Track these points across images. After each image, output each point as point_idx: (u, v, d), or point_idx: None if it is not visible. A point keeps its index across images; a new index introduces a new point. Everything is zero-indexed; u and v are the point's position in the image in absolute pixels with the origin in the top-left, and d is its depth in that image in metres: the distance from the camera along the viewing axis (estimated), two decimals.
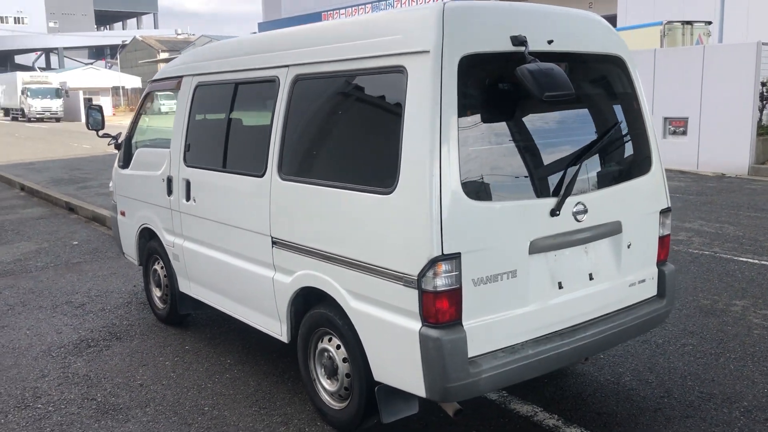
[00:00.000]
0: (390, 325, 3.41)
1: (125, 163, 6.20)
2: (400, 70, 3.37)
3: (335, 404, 4.00)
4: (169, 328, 5.79)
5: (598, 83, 4.09)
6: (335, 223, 3.71)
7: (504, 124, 3.57)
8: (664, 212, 4.18)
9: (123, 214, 6.35)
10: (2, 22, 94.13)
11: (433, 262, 3.18)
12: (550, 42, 3.57)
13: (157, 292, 6.01)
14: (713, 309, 5.90)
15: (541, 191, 3.56)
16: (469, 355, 3.30)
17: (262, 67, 4.39)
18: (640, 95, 4.12)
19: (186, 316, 5.86)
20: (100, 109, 6.34)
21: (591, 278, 3.81)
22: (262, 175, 4.24)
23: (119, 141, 6.36)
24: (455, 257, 3.21)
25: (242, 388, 4.61)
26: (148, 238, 5.94)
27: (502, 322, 3.42)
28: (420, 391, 3.35)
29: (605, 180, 3.90)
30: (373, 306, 3.52)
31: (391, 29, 3.50)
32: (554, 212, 3.52)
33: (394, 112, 3.39)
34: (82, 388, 4.67)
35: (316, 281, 3.89)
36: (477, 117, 3.44)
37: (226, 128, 4.78)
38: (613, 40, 4.04)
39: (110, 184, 6.65)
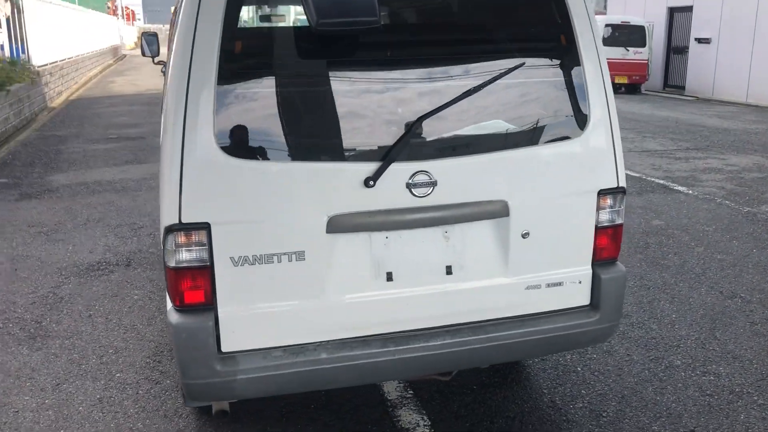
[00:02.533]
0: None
1: None
2: None
3: None
4: None
5: (484, 8, 3.02)
6: None
7: (298, 63, 2.78)
8: (607, 194, 3.02)
9: None
10: None
11: (169, 232, 2.60)
12: None
13: None
14: None
15: (352, 153, 2.72)
16: (223, 350, 2.70)
17: None
18: (576, 22, 2.95)
19: None
20: (155, 35, 6.36)
21: (449, 272, 2.89)
22: None
23: None
24: (202, 228, 2.59)
25: None
26: None
27: (283, 314, 2.74)
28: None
29: (477, 144, 2.89)
30: None
31: None
32: (369, 182, 2.68)
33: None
34: (42, 309, 4.81)
35: None
36: (252, 54, 2.71)
37: None
38: None
39: None
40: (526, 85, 2.97)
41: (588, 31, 2.97)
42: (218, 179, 2.59)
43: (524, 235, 2.97)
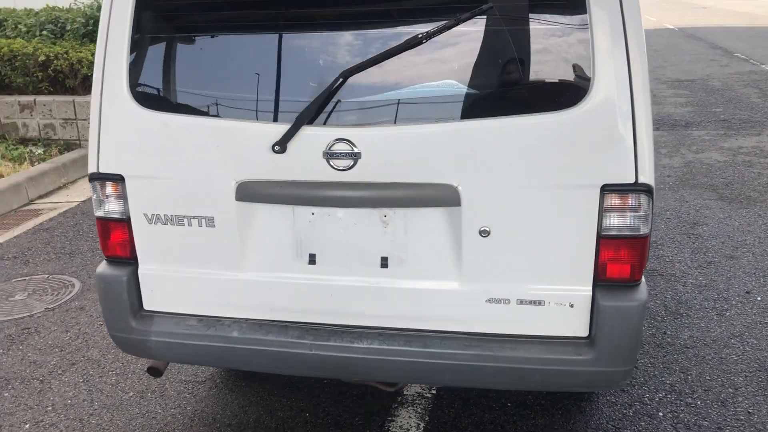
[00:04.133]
0: None
1: None
2: None
3: None
4: None
5: None
6: None
7: (213, 13, 2.43)
8: (619, 191, 2.18)
9: None
10: None
11: (90, 180, 2.57)
12: None
13: None
14: None
15: (262, 112, 2.35)
16: (145, 308, 2.62)
17: None
18: None
19: None
20: None
21: (384, 265, 2.38)
22: None
23: None
24: (117, 179, 2.51)
25: None
26: None
27: (198, 282, 2.54)
28: None
29: (418, 111, 2.27)
30: None
31: None
32: (275, 147, 2.31)
33: None
34: None
35: None
36: (166, 5, 2.45)
37: None
38: None
39: None
40: (495, 34, 2.22)
41: None
42: (131, 131, 2.45)
43: (483, 233, 2.28)
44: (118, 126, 2.46)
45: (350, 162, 2.27)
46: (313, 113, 2.25)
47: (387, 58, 2.20)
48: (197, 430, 3.03)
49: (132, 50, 2.42)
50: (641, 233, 2.23)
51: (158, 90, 2.44)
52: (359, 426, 3.02)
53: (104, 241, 2.61)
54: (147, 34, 2.43)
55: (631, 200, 2.19)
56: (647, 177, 2.17)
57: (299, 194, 2.36)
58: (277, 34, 2.36)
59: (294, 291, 2.47)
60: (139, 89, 2.43)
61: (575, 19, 2.14)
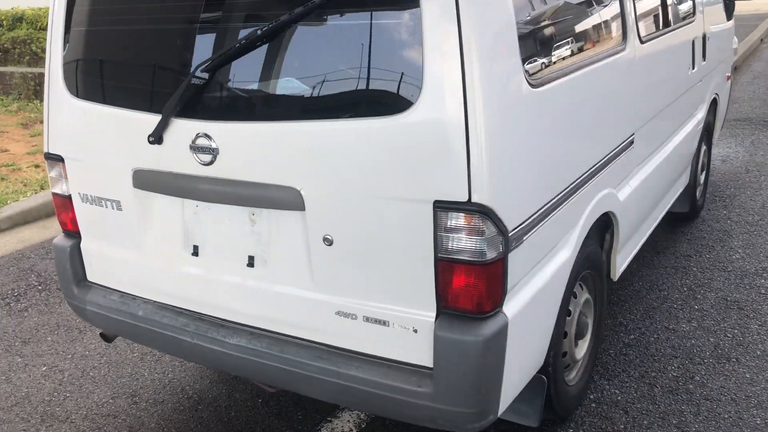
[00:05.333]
0: None
1: None
2: None
3: None
4: None
5: None
6: None
7: (118, 14, 2.51)
8: (455, 209, 1.95)
9: None
10: None
11: (46, 159, 2.87)
12: None
13: None
14: None
15: (148, 103, 2.43)
16: (89, 278, 2.87)
17: None
18: None
19: None
20: None
21: (251, 264, 2.37)
22: None
23: None
24: (59, 160, 2.78)
25: None
26: None
27: (117, 260, 2.73)
28: None
29: (265, 109, 2.19)
30: None
31: None
32: (150, 138, 2.39)
33: None
34: None
35: None
36: (89, 7, 2.58)
37: None
38: None
39: None
40: (334, 32, 2.04)
41: None
42: (65, 116, 2.68)
43: (326, 241, 2.15)
44: (56, 111, 2.69)
45: (210, 157, 2.26)
46: (173, 107, 2.28)
47: (234, 53, 2.15)
48: (162, 396, 3.24)
49: (65, 42, 2.63)
50: (486, 259, 1.94)
51: (80, 79, 2.62)
52: (298, 420, 3.01)
53: (58, 215, 2.88)
54: (76, 28, 2.62)
55: (467, 221, 1.92)
56: (484, 196, 1.88)
57: (178, 186, 2.41)
58: (161, 28, 2.40)
59: (182, 280, 2.53)
60: (69, 78, 2.63)
61: (410, 18, 1.90)
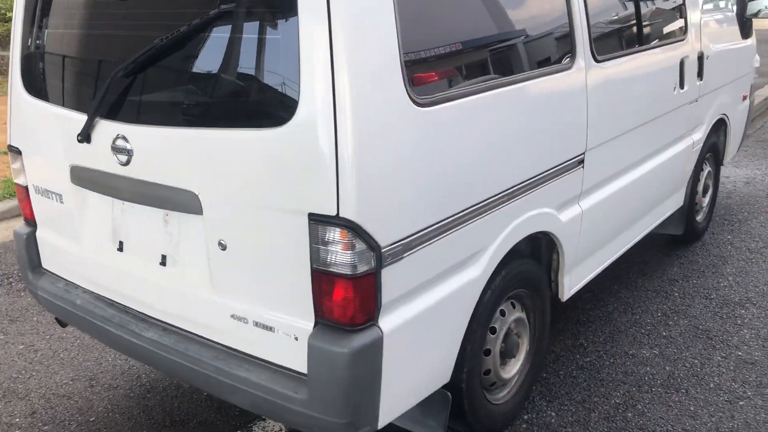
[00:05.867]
0: None
1: None
2: None
3: None
4: None
5: None
6: None
7: (62, 17, 2.65)
8: (326, 223, 2.00)
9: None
10: None
11: (9, 151, 3.05)
12: None
13: None
14: None
15: (82, 102, 2.56)
16: (43, 265, 3.04)
17: None
18: None
19: None
20: None
21: (163, 263, 2.48)
22: None
23: None
24: (18, 152, 2.95)
25: None
26: None
27: (62, 250, 2.89)
28: None
29: (171, 114, 2.28)
30: None
31: None
32: (78, 137, 2.52)
33: None
34: None
35: None
36: (43, 9, 2.73)
37: None
38: None
39: None
40: (229, 42, 2.10)
41: None
42: (21, 111, 2.84)
43: (221, 246, 2.23)
44: (16, 106, 2.86)
45: (126, 158, 2.37)
46: (95, 108, 2.41)
47: (142, 60, 2.24)
48: (118, 381, 3.39)
49: (22, 40, 2.79)
50: (356, 273, 1.98)
51: (31, 77, 2.78)
52: (234, 416, 3.10)
53: (20, 204, 3.06)
54: (30, 32, 2.77)
55: (336, 235, 1.96)
56: (351, 212, 1.92)
57: (105, 184, 2.53)
58: (94, 32, 2.53)
59: (110, 273, 2.65)
60: (24, 75, 2.79)
61: (289, 34, 1.95)
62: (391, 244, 2.04)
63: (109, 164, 2.45)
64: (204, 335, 2.39)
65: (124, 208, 2.55)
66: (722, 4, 4.92)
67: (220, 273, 2.27)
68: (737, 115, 4.92)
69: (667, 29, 3.69)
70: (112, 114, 2.39)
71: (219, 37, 2.12)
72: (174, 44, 2.16)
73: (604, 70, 2.99)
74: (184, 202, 2.27)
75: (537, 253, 3.02)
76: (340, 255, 1.97)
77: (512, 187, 2.52)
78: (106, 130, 2.41)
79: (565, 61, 2.77)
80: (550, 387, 3.21)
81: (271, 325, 2.18)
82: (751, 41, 4.95)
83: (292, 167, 1.98)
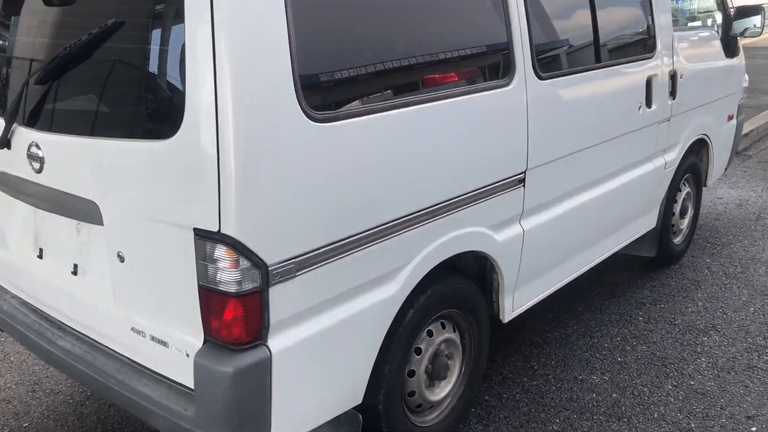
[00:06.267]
0: None
1: None
2: None
3: None
4: None
5: None
6: None
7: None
8: (207, 239, 1.96)
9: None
10: None
11: None
12: None
13: None
14: None
15: (4, 108, 2.56)
16: None
17: None
18: None
19: None
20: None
21: (75, 272, 2.46)
22: None
23: None
24: None
25: None
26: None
27: None
28: None
29: (74, 123, 2.27)
30: None
31: None
32: None
33: None
34: None
35: None
36: None
37: None
38: None
39: None
40: (123, 51, 2.09)
41: None
42: None
43: (120, 258, 2.20)
44: None
45: (39, 165, 2.36)
46: (10, 114, 2.40)
47: (48, 69, 2.24)
48: (60, 387, 3.39)
49: None
50: (240, 291, 1.94)
51: None
52: None
53: None
54: None
55: (219, 251, 1.92)
56: (233, 229, 1.88)
57: (24, 190, 2.53)
58: (21, 39, 2.53)
59: (32, 280, 2.65)
60: None
61: (178, 48, 1.92)
62: (281, 263, 1.99)
63: (27, 171, 2.44)
64: (110, 347, 2.37)
65: (43, 215, 2.54)
66: (707, 22, 4.81)
67: (120, 285, 2.25)
68: (721, 135, 4.79)
69: (630, 47, 3.59)
70: (28, 121, 2.39)
71: (114, 47, 2.11)
72: (75, 53, 2.16)
73: (549, 88, 2.91)
74: (87, 212, 2.25)
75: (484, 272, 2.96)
76: (223, 272, 1.93)
77: (432, 207, 2.45)
78: (23, 136, 2.41)
79: (502, 77, 2.70)
80: (490, 410, 3.13)
81: (166, 340, 2.15)
82: (738, 60, 4.83)
83: (179, 180, 1.95)
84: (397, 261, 2.39)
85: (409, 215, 2.37)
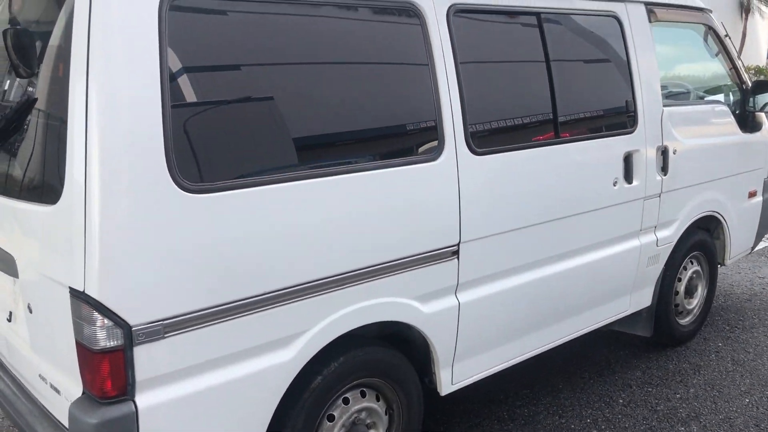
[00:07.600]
0: None
1: None
2: None
3: None
4: None
5: None
6: None
7: None
8: (79, 297, 2.14)
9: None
10: None
11: None
12: None
13: None
14: None
15: None
16: None
17: None
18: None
19: None
20: None
21: (10, 319, 2.71)
22: None
23: None
24: None
25: None
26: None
27: None
28: None
29: (6, 182, 2.54)
30: None
31: None
32: None
33: None
34: None
35: None
36: None
37: None
38: None
39: None
40: (33, 125, 2.33)
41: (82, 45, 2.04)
42: None
43: (29, 309, 2.41)
44: None
45: None
46: None
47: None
48: None
49: None
50: (105, 348, 2.08)
51: None
52: None
53: None
54: None
55: (86, 309, 2.08)
56: (94, 290, 2.04)
57: None
58: None
59: None
60: None
61: (62, 115, 2.12)
62: (146, 324, 2.12)
63: None
64: (29, 390, 2.57)
65: None
66: (719, 96, 4.65)
67: (32, 334, 2.45)
68: (740, 212, 4.57)
69: (601, 122, 3.55)
70: None
71: (27, 119, 2.36)
72: (5, 118, 2.42)
73: (487, 164, 2.93)
74: (9, 264, 2.49)
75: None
76: (89, 329, 2.08)
77: (332, 276, 2.51)
78: None
79: (428, 152, 2.75)
80: None
81: (59, 388, 2.32)
82: (762, 135, 4.62)
83: (60, 242, 2.15)
84: (291, 328, 2.46)
85: (304, 284, 2.44)
